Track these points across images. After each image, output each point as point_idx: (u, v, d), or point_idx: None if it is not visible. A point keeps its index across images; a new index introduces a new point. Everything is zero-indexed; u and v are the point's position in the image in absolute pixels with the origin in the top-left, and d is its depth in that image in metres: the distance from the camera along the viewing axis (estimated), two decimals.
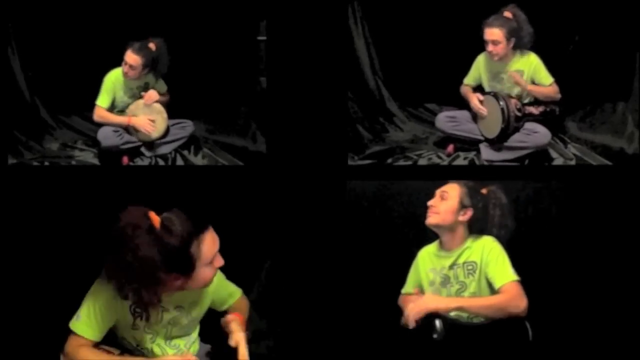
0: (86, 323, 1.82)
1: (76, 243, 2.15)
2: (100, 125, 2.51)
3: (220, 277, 1.96)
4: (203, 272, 1.77)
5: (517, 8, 2.43)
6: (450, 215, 2.09)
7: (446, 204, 2.10)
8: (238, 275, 2.08)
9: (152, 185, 2.30)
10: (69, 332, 1.84)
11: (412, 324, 1.90)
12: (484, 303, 1.98)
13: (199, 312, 1.95)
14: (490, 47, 2.46)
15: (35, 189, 2.26)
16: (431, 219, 2.11)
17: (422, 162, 2.48)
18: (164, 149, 2.54)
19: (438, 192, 2.13)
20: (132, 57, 2.47)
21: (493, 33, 2.44)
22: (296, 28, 2.18)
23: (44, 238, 2.21)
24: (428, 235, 2.20)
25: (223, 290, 2.00)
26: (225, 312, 2.01)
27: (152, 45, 2.48)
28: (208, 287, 1.88)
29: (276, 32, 2.22)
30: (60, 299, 1.91)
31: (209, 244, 1.75)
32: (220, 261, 1.81)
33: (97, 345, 1.84)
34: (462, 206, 2.10)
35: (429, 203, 2.12)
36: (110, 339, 1.89)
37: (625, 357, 2.16)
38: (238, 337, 1.86)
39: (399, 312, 2.04)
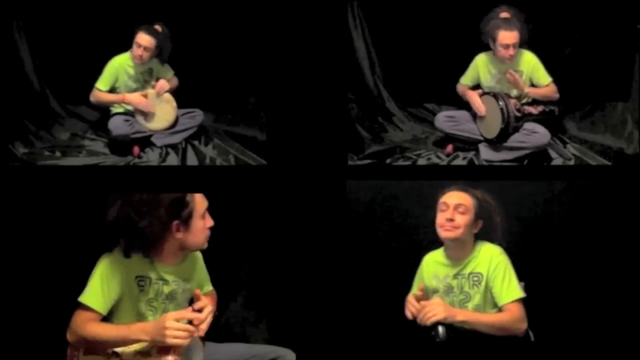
0: (94, 294, 1.87)
1: (82, 240, 2.15)
2: (97, 107, 2.53)
3: (201, 260, 2.07)
4: (198, 225, 1.91)
5: (510, 7, 2.42)
6: (468, 229, 2.05)
7: (464, 217, 2.04)
8: (237, 275, 2.08)
9: (149, 186, 2.29)
10: (75, 308, 1.85)
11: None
12: (488, 320, 1.97)
13: (190, 288, 2.00)
14: (505, 52, 2.43)
15: (43, 185, 2.27)
16: (451, 234, 2.04)
17: (422, 162, 2.47)
18: (174, 139, 2.54)
19: (451, 203, 2.04)
20: (145, 38, 2.48)
21: (512, 36, 2.41)
22: (296, 28, 2.18)
23: (47, 236, 2.21)
24: (427, 236, 2.19)
25: (203, 272, 2.09)
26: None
27: (158, 27, 2.49)
28: (203, 247, 1.97)
29: (276, 32, 2.21)
30: (67, 292, 1.90)
31: (199, 197, 1.92)
32: (210, 221, 1.95)
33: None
34: (476, 218, 2.06)
35: (447, 216, 2.03)
36: None
37: (626, 358, 2.16)
38: (205, 304, 1.90)
39: (400, 313, 2.04)
